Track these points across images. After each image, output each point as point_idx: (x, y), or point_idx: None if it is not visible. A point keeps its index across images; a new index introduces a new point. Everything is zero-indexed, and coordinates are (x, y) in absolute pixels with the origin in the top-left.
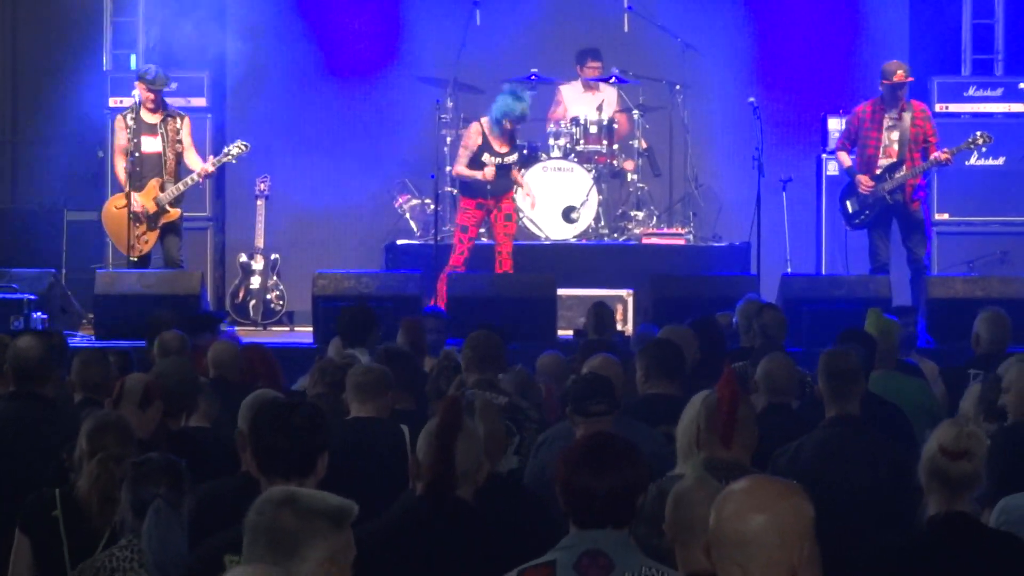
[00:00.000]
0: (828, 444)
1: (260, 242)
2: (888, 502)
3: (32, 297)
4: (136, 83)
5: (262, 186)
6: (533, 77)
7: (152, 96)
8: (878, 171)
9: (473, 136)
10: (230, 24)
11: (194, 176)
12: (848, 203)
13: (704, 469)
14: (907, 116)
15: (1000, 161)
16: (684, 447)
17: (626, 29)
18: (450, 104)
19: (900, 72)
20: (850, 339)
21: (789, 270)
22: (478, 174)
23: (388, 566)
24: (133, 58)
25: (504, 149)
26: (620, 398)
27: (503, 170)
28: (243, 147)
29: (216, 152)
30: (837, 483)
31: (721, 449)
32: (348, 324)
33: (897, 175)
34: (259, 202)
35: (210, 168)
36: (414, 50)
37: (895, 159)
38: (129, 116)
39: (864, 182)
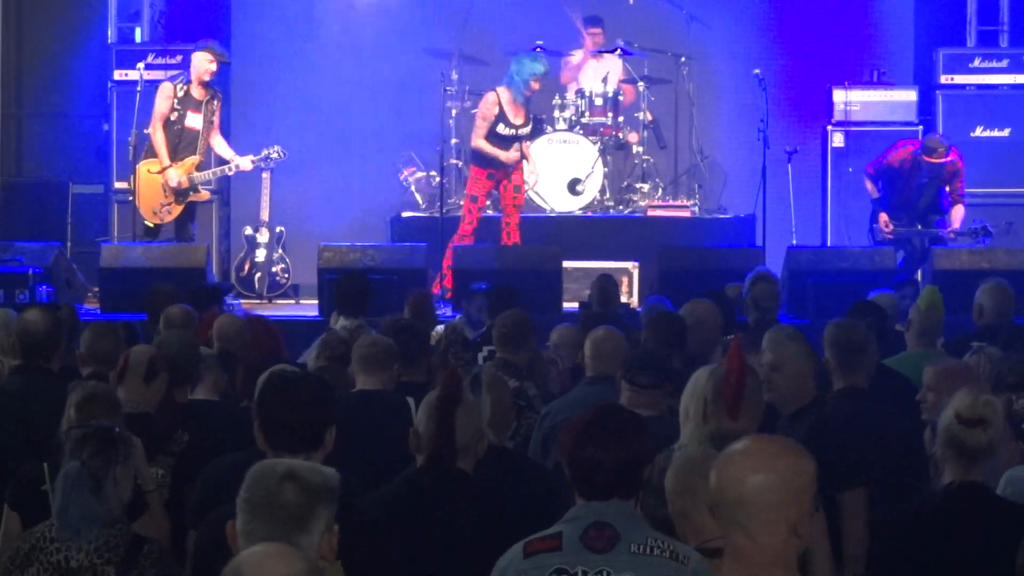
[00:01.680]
0: (835, 415)
1: (265, 215)
2: (896, 474)
3: (37, 270)
4: (200, 54)
5: (261, 164)
6: (538, 49)
7: (214, 69)
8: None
9: (489, 106)
10: None
11: (232, 167)
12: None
13: (709, 441)
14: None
15: (1006, 132)
16: (685, 418)
17: (631, 1)
18: (455, 76)
19: (940, 150)
20: (860, 311)
21: (794, 242)
22: (501, 155)
23: (390, 537)
24: (138, 31)
25: (519, 120)
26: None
27: (518, 141)
28: (282, 154)
29: (222, 128)
30: (844, 454)
31: (728, 421)
32: (343, 294)
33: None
34: (264, 175)
35: (248, 165)
36: (419, 22)
37: (921, 209)
38: (179, 86)
39: (883, 224)
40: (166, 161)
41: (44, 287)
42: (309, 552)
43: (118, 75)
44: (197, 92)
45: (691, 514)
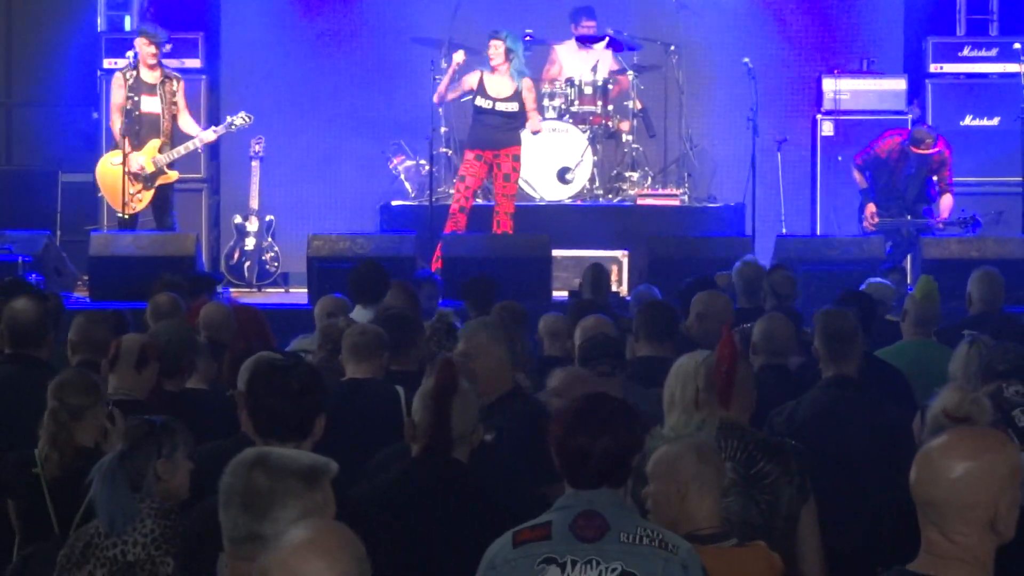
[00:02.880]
0: (824, 404)
1: (255, 203)
2: (885, 463)
3: (27, 259)
4: (136, 40)
5: (257, 147)
6: (528, 37)
7: (153, 51)
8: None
9: (471, 78)
10: None
11: (196, 142)
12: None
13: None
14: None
15: (995, 122)
16: (671, 404)
17: None
18: (444, 64)
19: (928, 141)
20: (848, 300)
21: (784, 231)
22: (445, 92)
23: (384, 527)
24: (127, 19)
25: (499, 94)
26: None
27: (493, 117)
28: (247, 119)
29: (211, 115)
30: (832, 443)
31: (720, 409)
32: (359, 282)
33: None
34: (254, 163)
35: (211, 137)
36: (409, 10)
37: (909, 199)
38: (128, 73)
39: (870, 213)
40: (126, 148)
41: (33, 276)
42: None
43: (107, 63)
44: (149, 76)
45: (682, 501)
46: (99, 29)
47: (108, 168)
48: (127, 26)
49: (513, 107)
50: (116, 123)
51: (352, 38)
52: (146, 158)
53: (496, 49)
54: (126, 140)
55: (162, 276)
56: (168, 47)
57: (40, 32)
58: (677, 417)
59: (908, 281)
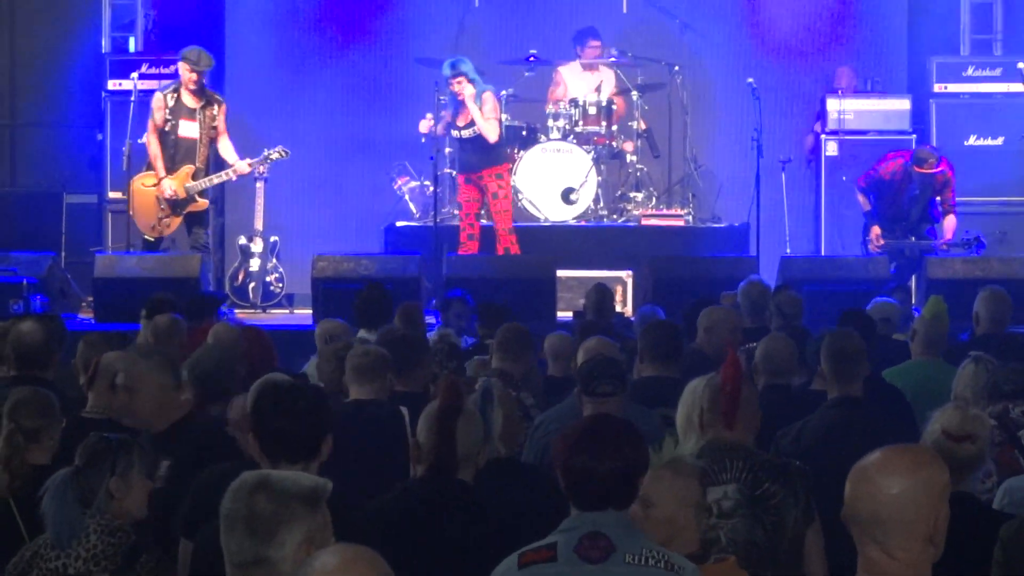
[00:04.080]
0: (829, 425)
1: (259, 224)
2: None
3: (32, 280)
4: (179, 63)
5: (261, 168)
6: (531, 58)
7: (195, 78)
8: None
9: (450, 110)
10: (228, 5)
11: (231, 172)
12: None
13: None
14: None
15: (999, 141)
16: (689, 426)
17: (624, 10)
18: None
19: (931, 161)
20: (850, 320)
21: (788, 251)
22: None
23: (390, 548)
24: (132, 40)
25: (462, 122)
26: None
27: (466, 145)
28: (284, 153)
29: None
30: (839, 464)
31: (724, 430)
32: (364, 305)
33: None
34: (258, 184)
35: (246, 169)
36: (413, 32)
37: (913, 220)
38: (170, 95)
39: (875, 235)
40: (161, 172)
41: (38, 297)
42: (283, 567)
43: (112, 85)
44: (189, 100)
45: (681, 522)
46: (103, 50)
47: (140, 188)
48: (131, 48)
49: (468, 132)
50: (152, 145)
51: (356, 59)
52: (179, 184)
53: (460, 85)
54: (162, 163)
55: (154, 296)
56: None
57: (45, 53)
58: (696, 440)
59: (913, 301)
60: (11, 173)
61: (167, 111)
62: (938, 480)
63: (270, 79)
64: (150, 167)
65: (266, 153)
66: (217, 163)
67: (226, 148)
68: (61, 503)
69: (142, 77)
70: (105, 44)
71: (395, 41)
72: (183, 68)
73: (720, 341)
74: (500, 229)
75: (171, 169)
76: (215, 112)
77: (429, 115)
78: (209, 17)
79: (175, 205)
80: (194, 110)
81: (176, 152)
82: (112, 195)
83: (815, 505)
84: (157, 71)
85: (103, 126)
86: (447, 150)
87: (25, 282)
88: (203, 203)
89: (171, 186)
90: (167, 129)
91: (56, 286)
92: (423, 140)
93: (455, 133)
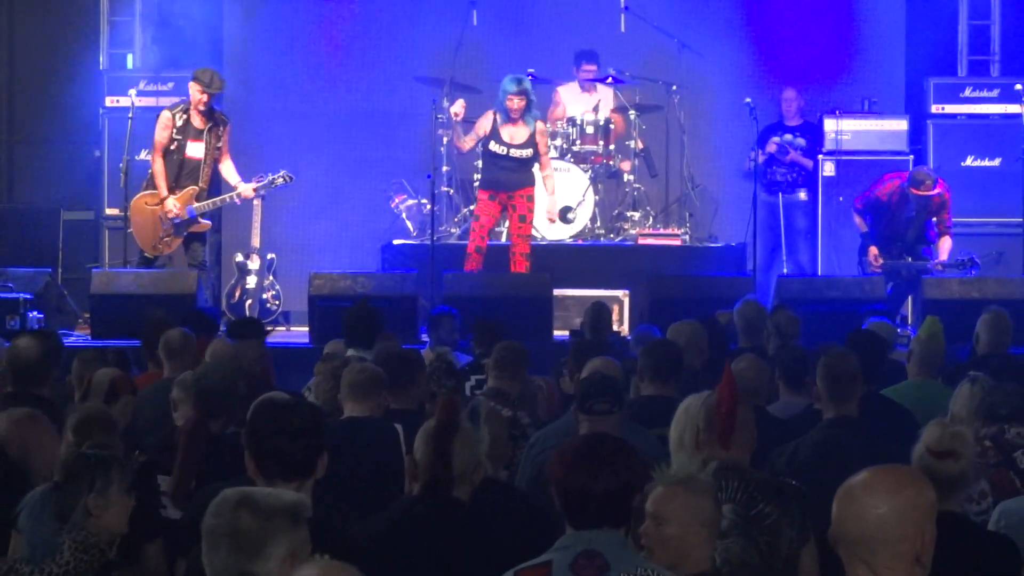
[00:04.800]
0: (825, 445)
1: (256, 242)
2: None
3: (28, 296)
4: (190, 84)
5: (262, 192)
6: (530, 77)
7: (206, 99)
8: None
9: (484, 122)
10: (227, 23)
11: (234, 196)
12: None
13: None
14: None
15: (996, 162)
16: (679, 446)
17: (622, 29)
18: (447, 104)
19: (928, 182)
20: (856, 341)
21: (785, 271)
22: (464, 141)
23: (385, 566)
24: (130, 57)
25: (513, 140)
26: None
27: (507, 162)
28: (288, 178)
29: None
30: (834, 483)
31: (720, 450)
32: (351, 324)
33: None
34: (256, 202)
35: (250, 192)
36: (411, 50)
37: (909, 241)
38: (179, 115)
39: (873, 258)
40: (164, 192)
41: (35, 313)
42: None
43: (109, 101)
44: (198, 121)
45: (693, 540)
46: (101, 67)
47: (142, 207)
48: (129, 64)
49: (528, 152)
50: (156, 162)
51: (354, 77)
52: (181, 204)
53: (519, 102)
54: (165, 183)
55: (152, 313)
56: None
57: (43, 70)
58: (685, 458)
59: (910, 322)
60: (8, 189)
61: (174, 131)
62: (924, 499)
63: (268, 97)
64: (150, 184)
65: (271, 178)
66: (217, 182)
67: (228, 169)
68: (38, 519)
69: (140, 94)
70: (103, 61)
71: (393, 59)
72: (194, 89)
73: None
74: (519, 252)
75: (174, 189)
76: (220, 133)
77: (462, 101)
78: (207, 35)
79: (177, 226)
80: (201, 131)
81: (180, 172)
82: (109, 212)
83: (810, 525)
84: (155, 88)
85: (101, 143)
86: (444, 168)
87: (22, 298)
88: (205, 224)
89: (175, 206)
90: (173, 148)
91: (52, 302)
92: (456, 118)
93: (497, 148)
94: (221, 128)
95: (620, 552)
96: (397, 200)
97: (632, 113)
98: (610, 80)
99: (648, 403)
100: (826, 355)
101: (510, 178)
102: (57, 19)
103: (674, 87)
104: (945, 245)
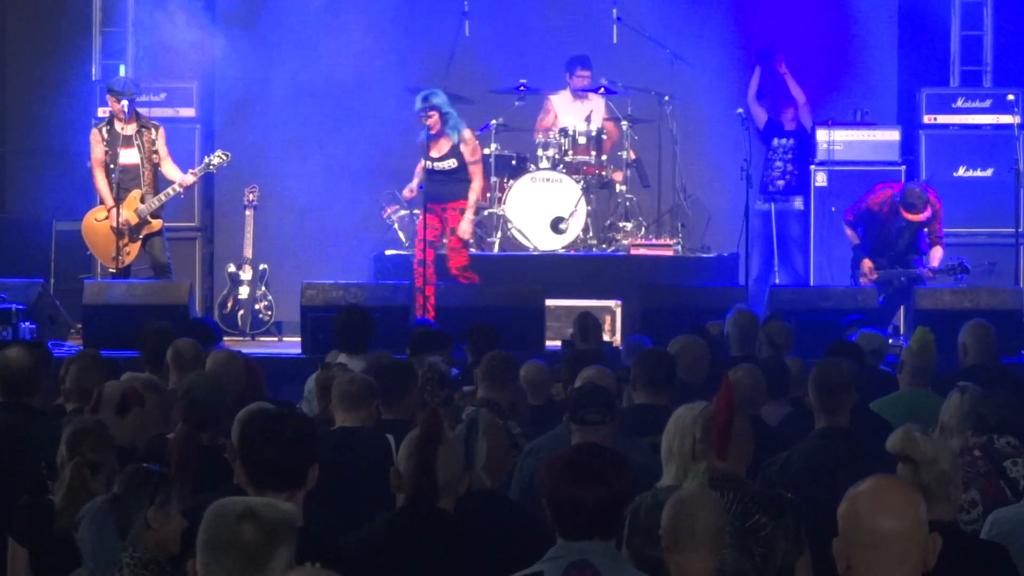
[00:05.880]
0: (817, 455)
1: (248, 252)
2: None
3: (20, 307)
4: (107, 96)
5: (251, 196)
6: (522, 88)
7: (122, 107)
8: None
9: (421, 146)
10: (220, 34)
11: (175, 187)
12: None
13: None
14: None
15: (988, 173)
16: (668, 457)
17: (615, 40)
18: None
19: (919, 206)
20: (838, 351)
21: (777, 281)
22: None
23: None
24: (122, 68)
25: (436, 153)
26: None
27: (437, 176)
28: (224, 157)
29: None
30: (825, 494)
31: (717, 460)
32: (343, 330)
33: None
34: (247, 212)
35: (190, 180)
36: (403, 61)
37: (899, 250)
38: (104, 128)
39: (867, 268)
40: (110, 202)
41: (27, 324)
42: None
43: (102, 112)
44: (124, 128)
45: (686, 551)
46: (94, 78)
47: (93, 225)
48: (122, 74)
49: (451, 164)
50: (98, 178)
51: (347, 87)
52: (128, 211)
53: (429, 119)
54: (109, 194)
55: (152, 324)
56: (141, 96)
57: (35, 80)
58: (676, 469)
59: (902, 332)
60: (0, 200)
61: (104, 143)
62: (922, 511)
63: (260, 107)
64: (100, 202)
65: (207, 160)
66: (164, 187)
67: (171, 170)
68: (99, 532)
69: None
70: (96, 71)
71: (386, 69)
72: (111, 101)
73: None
74: (454, 265)
75: (119, 198)
76: (153, 137)
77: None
78: (200, 45)
79: (131, 232)
80: (130, 137)
81: (121, 180)
82: None
83: (805, 536)
84: (147, 98)
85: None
86: None
87: (14, 309)
88: (157, 223)
89: (122, 214)
90: (107, 160)
91: (45, 313)
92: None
93: (427, 164)
94: (154, 132)
95: (611, 563)
96: (389, 211)
97: (624, 123)
98: (602, 90)
99: (640, 412)
100: (817, 365)
101: (440, 191)
102: (50, 29)
103: (666, 98)
104: (936, 255)
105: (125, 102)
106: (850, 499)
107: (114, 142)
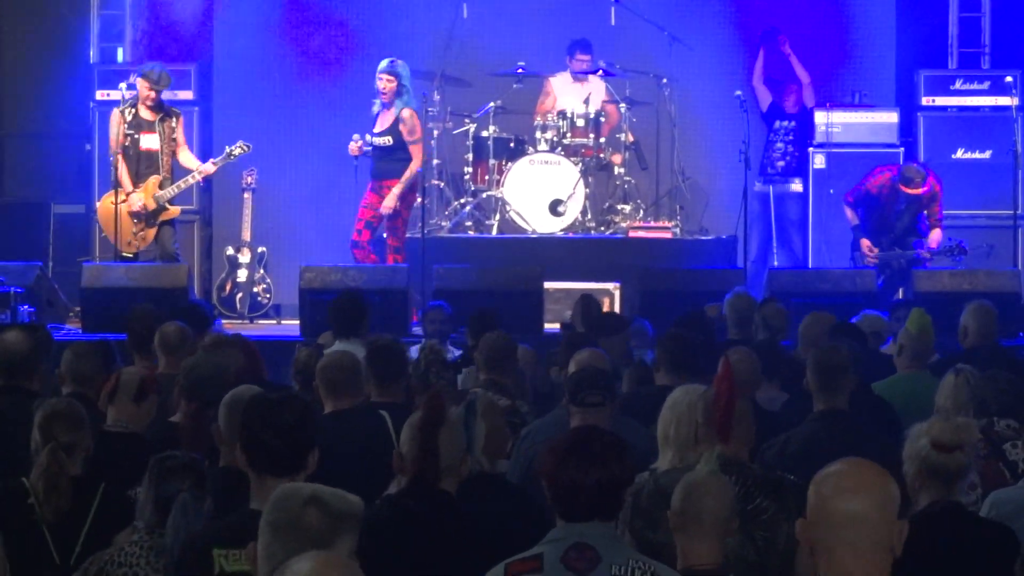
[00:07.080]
0: (815, 438)
1: (247, 235)
2: None
3: (19, 290)
4: (138, 80)
5: (249, 179)
6: (520, 70)
7: (153, 96)
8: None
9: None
10: (218, 17)
11: (195, 175)
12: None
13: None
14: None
15: (987, 155)
16: (665, 440)
17: (612, 22)
18: (437, 97)
19: (918, 180)
20: (840, 333)
21: (775, 263)
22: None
23: (373, 559)
24: (120, 51)
25: (378, 128)
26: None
27: (375, 152)
28: (245, 148)
29: (204, 146)
30: None
31: (719, 444)
32: (338, 315)
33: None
34: (246, 195)
35: (211, 169)
36: (402, 43)
37: (898, 233)
38: (127, 111)
39: (867, 250)
40: (129, 187)
41: (25, 307)
42: None
43: (100, 95)
44: (147, 114)
45: (694, 534)
46: (92, 61)
47: (109, 207)
48: (120, 58)
49: (387, 140)
50: (117, 162)
51: (346, 70)
52: (147, 196)
53: (385, 83)
54: (128, 178)
55: (138, 307)
56: (166, 90)
57: (33, 63)
58: (672, 454)
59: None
60: None
61: (126, 126)
62: (894, 493)
63: (259, 89)
64: (116, 185)
65: (228, 150)
66: (179, 174)
67: (187, 158)
68: (196, 526)
69: (130, 87)
70: (93, 54)
71: (385, 52)
72: (142, 85)
73: None
74: (389, 247)
75: (138, 182)
76: (173, 124)
77: (356, 136)
78: (198, 28)
79: (148, 218)
80: (152, 123)
81: (140, 165)
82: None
83: None
84: None
85: (91, 136)
86: (435, 161)
87: (12, 292)
88: (175, 210)
89: (139, 199)
90: (128, 144)
91: (43, 296)
92: (354, 163)
93: (368, 137)
94: (174, 120)
95: (611, 545)
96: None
97: (623, 106)
98: (601, 72)
99: (663, 393)
100: (816, 348)
101: (376, 167)
102: (47, 12)
103: (664, 80)
104: (935, 237)
105: (155, 92)
106: (817, 481)
107: (137, 126)
